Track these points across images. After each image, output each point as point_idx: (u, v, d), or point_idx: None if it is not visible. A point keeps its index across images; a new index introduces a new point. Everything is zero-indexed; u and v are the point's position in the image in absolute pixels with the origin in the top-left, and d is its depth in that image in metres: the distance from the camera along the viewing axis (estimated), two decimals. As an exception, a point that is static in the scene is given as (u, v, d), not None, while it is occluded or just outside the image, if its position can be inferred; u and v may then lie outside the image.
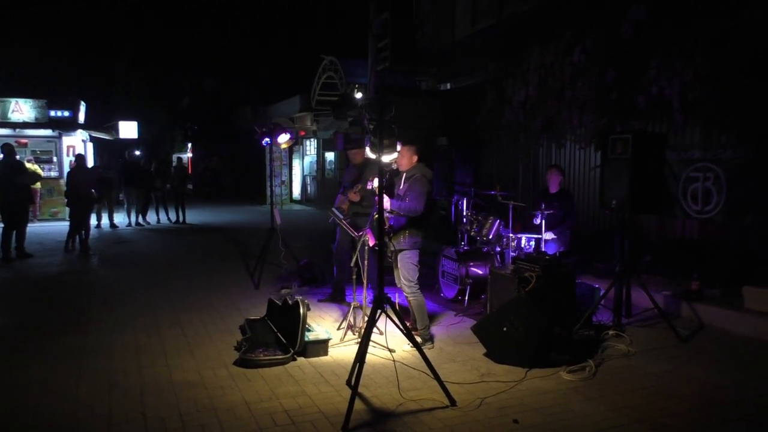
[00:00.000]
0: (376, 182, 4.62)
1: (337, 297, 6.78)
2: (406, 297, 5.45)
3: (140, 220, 15.47)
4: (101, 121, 22.76)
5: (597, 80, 7.95)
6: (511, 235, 6.71)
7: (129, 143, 22.08)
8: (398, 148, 5.12)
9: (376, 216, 4.43)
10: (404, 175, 5.40)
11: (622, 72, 7.64)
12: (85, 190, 11.14)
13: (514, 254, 6.57)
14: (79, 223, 11.08)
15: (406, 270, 5.32)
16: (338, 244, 6.81)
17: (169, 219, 16.26)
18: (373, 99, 4.38)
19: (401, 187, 5.38)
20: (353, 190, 6.43)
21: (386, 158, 4.47)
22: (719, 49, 6.54)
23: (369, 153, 4.97)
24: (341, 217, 5.95)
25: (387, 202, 5.14)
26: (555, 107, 8.76)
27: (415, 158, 5.38)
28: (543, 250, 6.48)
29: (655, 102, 7.24)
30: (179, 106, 32.18)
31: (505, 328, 4.92)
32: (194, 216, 17.44)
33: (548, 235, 6.65)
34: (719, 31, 6.57)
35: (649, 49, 7.27)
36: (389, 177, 5.46)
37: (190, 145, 33.78)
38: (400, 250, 5.35)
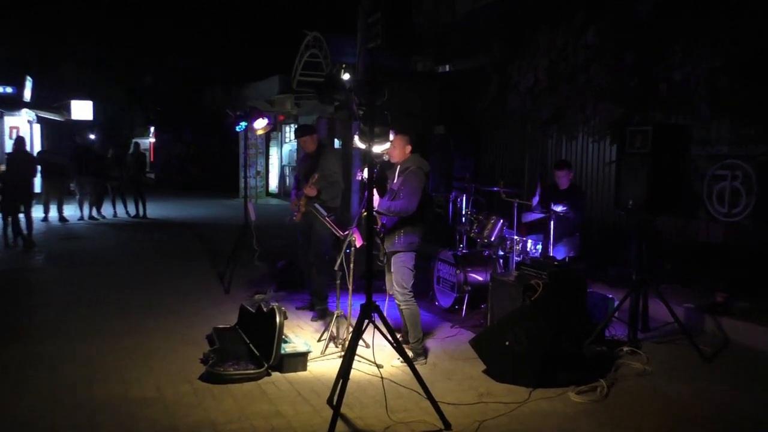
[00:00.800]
0: (366, 173, 4.59)
1: (317, 304, 6.75)
2: (398, 305, 5.44)
3: (94, 213, 15.33)
4: (51, 99, 22.53)
5: (613, 64, 7.97)
6: (515, 237, 6.72)
7: (83, 125, 21.87)
8: (391, 137, 5.10)
9: (364, 213, 4.40)
10: (398, 167, 5.39)
11: (642, 55, 7.66)
12: (21, 178, 11.01)
13: (518, 259, 6.57)
14: (7, 213, 10.97)
15: (400, 275, 5.31)
16: (301, 246, 6.81)
17: (127, 213, 16.13)
18: (363, 81, 4.36)
19: (395, 181, 5.36)
20: (308, 184, 6.42)
21: (377, 149, 4.44)
22: (752, 28, 6.56)
23: (357, 142, 4.94)
24: (324, 213, 5.91)
25: (375, 202, 5.12)
26: (566, 94, 8.77)
27: (409, 149, 5.37)
28: (551, 254, 6.48)
29: (679, 90, 7.27)
30: (140, 85, 31.91)
31: (507, 343, 4.92)
32: (156, 210, 17.32)
33: (558, 208, 6.64)
34: (753, 5, 6.58)
35: (673, 29, 7.29)
36: (380, 170, 5.44)
37: (152, 129, 33.54)
38: (394, 252, 5.33)
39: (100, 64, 28.42)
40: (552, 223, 6.50)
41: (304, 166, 6.77)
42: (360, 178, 5.32)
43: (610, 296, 6.31)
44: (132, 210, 16.05)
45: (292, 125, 22.93)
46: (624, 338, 5.93)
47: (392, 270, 5.37)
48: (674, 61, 7.21)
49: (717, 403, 4.62)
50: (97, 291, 7.73)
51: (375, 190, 5.18)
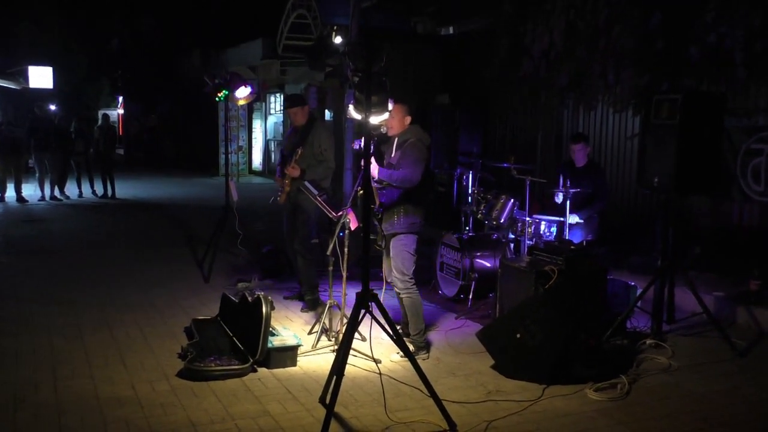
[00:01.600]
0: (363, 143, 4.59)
1: (307, 294, 6.78)
2: (398, 294, 5.47)
3: (57, 193, 15.32)
4: (5, 65, 22.37)
5: (638, 25, 7.93)
6: (527, 218, 6.74)
7: (42, 95, 21.74)
8: (390, 107, 5.10)
9: (360, 190, 4.42)
10: (395, 140, 5.39)
11: (671, 15, 7.63)
12: None
13: (530, 243, 6.60)
14: None
15: (399, 260, 5.33)
16: (286, 231, 6.83)
17: (94, 192, 16.12)
18: (358, 44, 4.34)
19: (392, 155, 5.36)
20: (292, 162, 6.40)
21: (375, 119, 4.45)
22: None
23: (352, 113, 4.94)
24: (315, 192, 5.92)
25: (374, 168, 5.13)
26: (585, 59, 8.74)
27: (408, 120, 5.37)
28: (567, 238, 6.52)
29: (712, 54, 7.25)
30: (107, 50, 31.69)
31: (518, 335, 4.95)
32: (126, 189, 17.29)
33: (573, 218, 6.69)
34: None
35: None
36: (376, 143, 5.44)
37: (120, 99, 33.40)
38: (393, 234, 5.35)
39: (61, 25, 28.14)
40: (567, 202, 6.53)
41: (292, 140, 6.75)
42: (357, 147, 5.32)
43: (633, 284, 6.35)
44: (99, 190, 16.04)
45: (278, 95, 22.83)
46: (647, 330, 5.97)
47: (391, 254, 5.39)
48: (707, 21, 7.18)
49: (750, 403, 4.66)
50: (62, 281, 7.74)
51: (373, 161, 5.18)
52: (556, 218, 6.74)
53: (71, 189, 15.85)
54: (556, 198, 6.90)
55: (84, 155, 16.02)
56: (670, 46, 7.70)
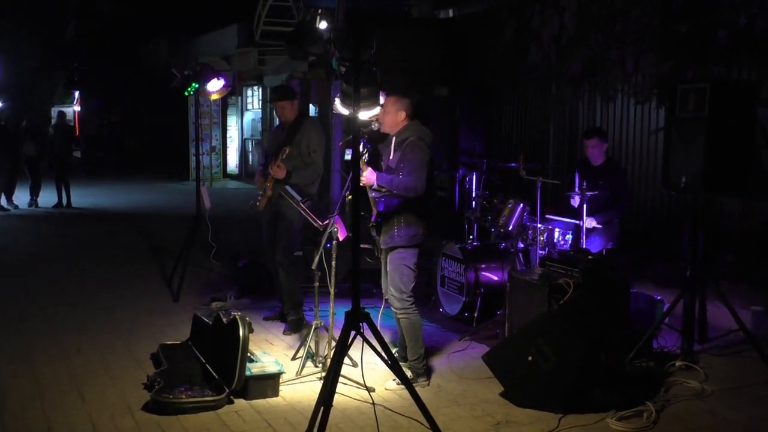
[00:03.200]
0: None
1: (289, 314, 6.76)
2: (395, 314, 5.45)
3: (4, 202, 15.28)
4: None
5: (660, 6, 7.96)
6: (539, 225, 6.73)
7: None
8: (381, 100, 5.10)
9: (349, 195, 4.40)
10: (393, 139, 5.38)
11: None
12: None
13: (543, 252, 6.59)
14: None
15: (398, 275, 5.32)
16: (266, 241, 6.81)
17: (31, 203, 15.96)
18: (345, 30, 4.34)
19: (390, 156, 5.35)
20: (276, 162, 6.38)
21: (364, 114, 4.44)
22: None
23: (339, 107, 4.94)
24: (298, 198, 5.91)
25: (371, 175, 5.12)
26: (601, 45, 8.76)
27: (403, 115, 5.35)
28: (584, 246, 6.51)
29: (742, 38, 7.27)
30: (62, 38, 31.64)
31: (530, 358, 4.94)
32: (84, 197, 17.26)
33: (590, 223, 6.68)
34: None
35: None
36: (371, 143, 5.42)
37: (77, 94, 33.34)
38: (393, 248, 5.33)
39: (7, 5, 27.98)
40: (584, 205, 6.52)
41: (277, 139, 6.73)
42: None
43: (659, 298, 6.34)
44: (54, 198, 15.98)
45: (256, 88, 22.87)
46: (676, 350, 5.96)
47: (389, 270, 5.38)
48: (737, 1, 7.21)
49: (792, 430, 4.67)
50: (10, 301, 7.69)
51: (368, 167, 5.17)
52: (571, 220, 6.71)
53: (20, 198, 15.78)
54: (572, 201, 6.89)
55: (35, 159, 15.93)
56: (696, 29, 7.72)
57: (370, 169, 5.16)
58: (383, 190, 5.23)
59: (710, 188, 5.72)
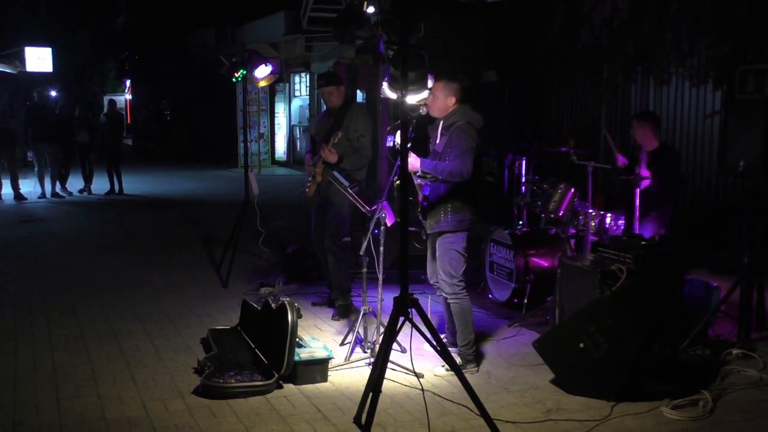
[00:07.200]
0: (398, 137, 4.58)
1: (338, 299, 6.79)
2: (446, 299, 5.44)
3: (58, 189, 15.57)
4: (-1, 46, 22.81)
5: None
6: (590, 211, 6.66)
7: (40, 80, 22.13)
8: (429, 84, 5.07)
9: (397, 181, 4.39)
10: (440, 123, 5.36)
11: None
12: None
13: (594, 238, 6.52)
14: None
15: (447, 260, 5.30)
16: (315, 227, 6.83)
17: (83, 190, 16.25)
18: (393, 15, 4.32)
19: (437, 141, 5.33)
20: (328, 146, 6.40)
21: (412, 99, 4.42)
22: None
23: (387, 91, 4.91)
24: (345, 183, 5.91)
25: (415, 160, 5.10)
26: (655, 27, 8.62)
27: (453, 100, 5.33)
28: (637, 231, 6.41)
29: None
30: (112, 29, 32.17)
31: (581, 345, 4.90)
32: (135, 184, 17.54)
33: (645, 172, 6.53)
34: None
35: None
36: (417, 127, 5.40)
37: (128, 83, 33.89)
38: (440, 233, 5.32)
39: (58, 0, 28.56)
40: (636, 192, 6.41)
41: (324, 125, 6.75)
42: (392, 143, 5.30)
43: (715, 284, 6.22)
44: (106, 185, 16.26)
45: (304, 74, 22.95)
46: (733, 338, 5.86)
47: (437, 255, 5.37)
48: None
49: None
50: (64, 289, 7.84)
51: (412, 153, 5.15)
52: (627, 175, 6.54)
53: (74, 184, 16.09)
54: (619, 158, 6.83)
55: (89, 146, 16.21)
56: (756, 9, 7.55)
57: (413, 155, 5.14)
58: (428, 176, 5.21)
59: (770, 173, 5.61)
